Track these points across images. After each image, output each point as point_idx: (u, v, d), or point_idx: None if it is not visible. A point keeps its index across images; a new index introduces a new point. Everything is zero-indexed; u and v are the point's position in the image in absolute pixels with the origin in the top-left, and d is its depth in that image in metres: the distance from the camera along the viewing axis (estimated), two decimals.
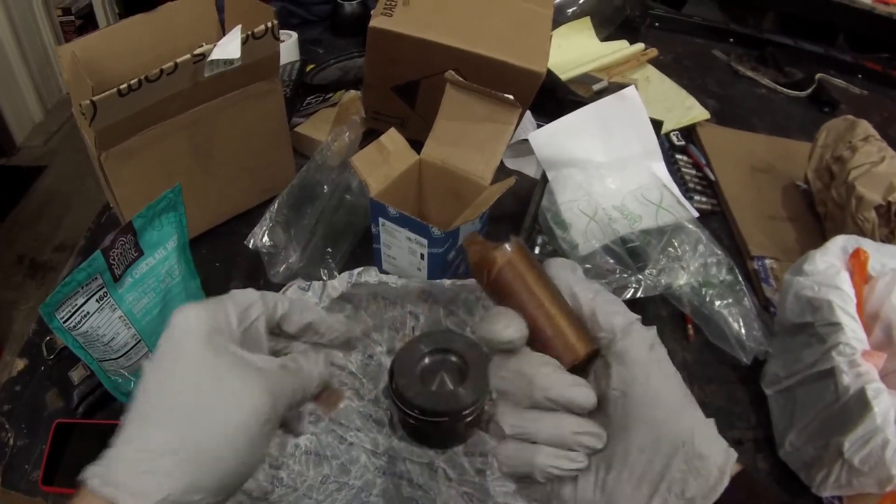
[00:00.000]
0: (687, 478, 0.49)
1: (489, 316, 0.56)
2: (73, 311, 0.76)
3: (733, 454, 0.50)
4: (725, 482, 0.48)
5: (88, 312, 0.78)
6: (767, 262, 1.16)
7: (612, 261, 0.93)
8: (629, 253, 0.95)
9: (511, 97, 0.96)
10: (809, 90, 1.64)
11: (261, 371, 0.51)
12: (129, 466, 0.45)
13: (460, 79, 0.99)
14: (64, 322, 0.76)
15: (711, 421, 0.52)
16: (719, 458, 0.49)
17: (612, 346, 0.54)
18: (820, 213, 1.23)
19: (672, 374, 0.53)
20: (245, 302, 0.55)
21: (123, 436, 0.47)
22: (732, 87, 1.66)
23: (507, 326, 0.55)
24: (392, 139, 1.01)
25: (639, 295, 0.90)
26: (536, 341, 0.57)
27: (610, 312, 0.55)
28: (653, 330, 0.55)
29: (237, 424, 0.47)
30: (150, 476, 0.44)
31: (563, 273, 0.58)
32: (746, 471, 0.51)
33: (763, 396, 0.97)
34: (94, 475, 0.45)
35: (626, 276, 0.91)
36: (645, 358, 0.53)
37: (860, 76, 1.75)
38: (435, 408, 0.82)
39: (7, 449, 0.91)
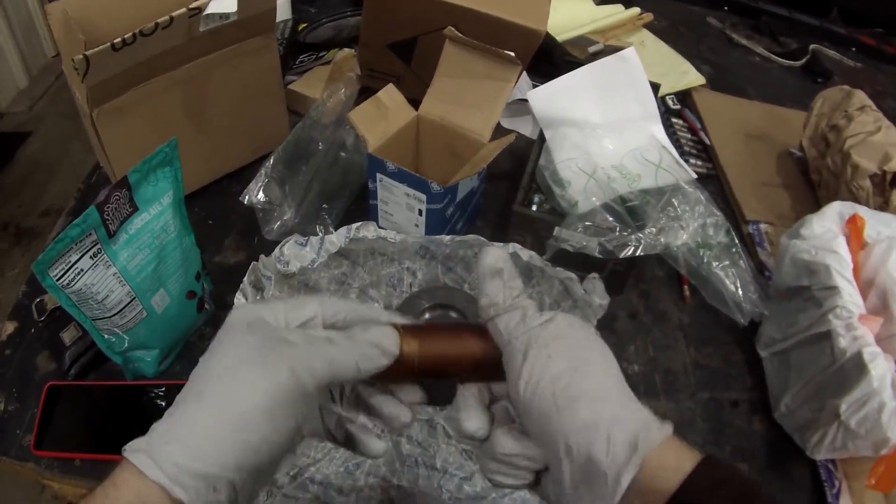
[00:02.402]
0: (587, 491, 0.48)
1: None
2: (66, 268, 0.75)
3: (642, 443, 0.47)
4: (620, 489, 0.46)
5: (82, 270, 0.76)
6: (762, 226, 1.16)
7: (611, 219, 0.93)
8: (628, 212, 0.95)
9: (511, 54, 0.96)
10: (803, 60, 1.64)
11: (289, 345, 0.50)
12: (159, 437, 0.47)
13: (460, 35, 0.98)
14: (57, 280, 0.75)
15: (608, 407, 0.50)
16: (617, 457, 0.47)
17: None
18: (814, 180, 1.23)
19: (548, 381, 0.51)
20: (298, 303, 0.55)
21: (167, 412, 0.49)
22: (727, 55, 1.65)
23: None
24: (390, 95, 1.00)
25: (639, 253, 0.90)
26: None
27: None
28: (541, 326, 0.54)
29: (256, 401, 0.48)
30: (173, 447, 0.46)
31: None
32: (710, 459, 0.47)
33: (758, 358, 0.98)
34: (130, 445, 0.48)
35: (625, 234, 0.90)
36: (518, 369, 0.52)
37: (854, 49, 1.75)
38: None
39: None
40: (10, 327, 0.99)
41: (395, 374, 0.56)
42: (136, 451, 0.46)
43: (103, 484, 0.46)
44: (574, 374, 0.50)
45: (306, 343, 0.51)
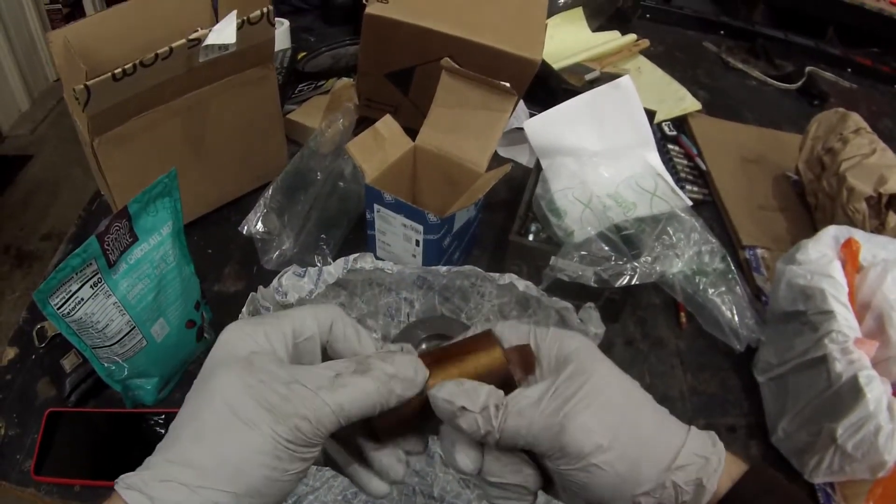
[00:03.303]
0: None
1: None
2: (67, 297, 0.75)
3: (719, 446, 0.49)
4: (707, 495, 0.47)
5: (83, 299, 0.77)
6: (759, 251, 1.16)
7: (607, 248, 0.93)
8: (623, 240, 0.96)
9: (507, 84, 0.97)
10: (799, 83, 1.65)
11: (293, 394, 0.47)
12: (154, 475, 0.45)
13: (456, 66, 0.99)
14: (58, 308, 0.76)
15: (681, 431, 0.50)
16: (716, 466, 0.48)
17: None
18: (810, 203, 1.24)
19: (598, 457, 0.48)
20: (298, 322, 0.52)
21: (158, 446, 0.47)
22: (723, 79, 1.67)
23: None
24: (387, 125, 1.01)
25: (634, 282, 0.90)
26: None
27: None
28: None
29: (259, 448, 0.45)
30: (169, 485, 0.44)
31: None
32: (759, 466, 0.49)
33: (755, 383, 0.98)
34: (123, 480, 0.45)
35: (621, 263, 0.91)
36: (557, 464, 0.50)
37: (850, 70, 1.76)
38: None
39: None
40: (10, 353, 1.00)
41: (404, 414, 0.52)
42: (130, 487, 0.44)
43: None
44: (617, 437, 0.48)
45: (311, 390, 0.47)
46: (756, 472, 0.49)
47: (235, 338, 0.50)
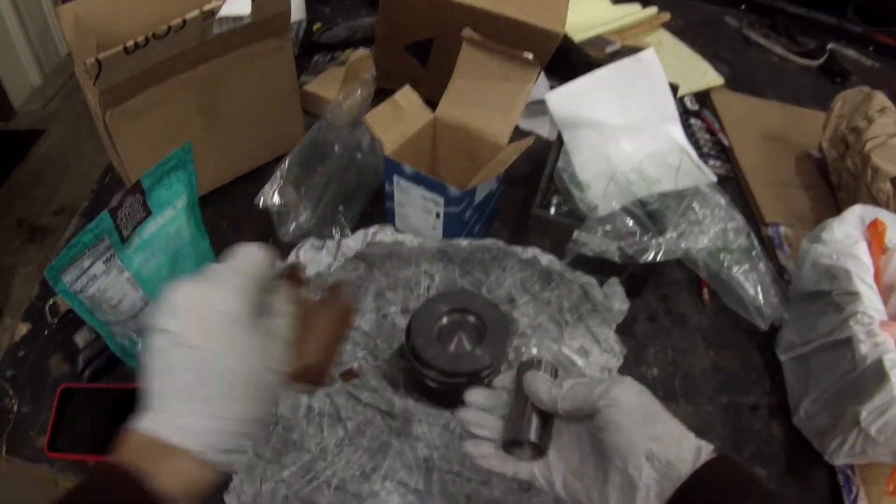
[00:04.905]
0: (660, 483, 0.57)
1: None
2: (79, 273, 0.75)
3: (704, 451, 0.58)
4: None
5: (95, 275, 0.76)
6: (782, 228, 1.15)
7: (631, 223, 0.92)
8: (648, 215, 0.94)
9: (530, 55, 0.95)
10: (821, 60, 1.62)
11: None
12: (171, 413, 0.51)
13: (477, 36, 0.97)
14: (70, 285, 0.75)
15: (676, 427, 0.61)
16: (688, 458, 0.57)
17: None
18: (833, 182, 1.22)
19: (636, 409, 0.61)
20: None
21: (156, 394, 0.52)
22: (744, 55, 1.64)
23: None
24: (406, 97, 0.99)
25: (659, 258, 0.89)
26: None
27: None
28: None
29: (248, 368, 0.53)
30: (196, 416, 0.51)
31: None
32: (725, 457, 0.58)
33: (778, 363, 0.97)
34: (143, 422, 0.51)
35: (646, 238, 0.89)
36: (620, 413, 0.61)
37: (871, 48, 1.73)
38: (453, 368, 0.82)
39: (11, 416, 0.90)
40: (23, 329, 0.99)
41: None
42: (159, 424, 0.50)
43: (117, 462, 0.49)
44: (643, 398, 0.62)
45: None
46: (716, 462, 0.57)
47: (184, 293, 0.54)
